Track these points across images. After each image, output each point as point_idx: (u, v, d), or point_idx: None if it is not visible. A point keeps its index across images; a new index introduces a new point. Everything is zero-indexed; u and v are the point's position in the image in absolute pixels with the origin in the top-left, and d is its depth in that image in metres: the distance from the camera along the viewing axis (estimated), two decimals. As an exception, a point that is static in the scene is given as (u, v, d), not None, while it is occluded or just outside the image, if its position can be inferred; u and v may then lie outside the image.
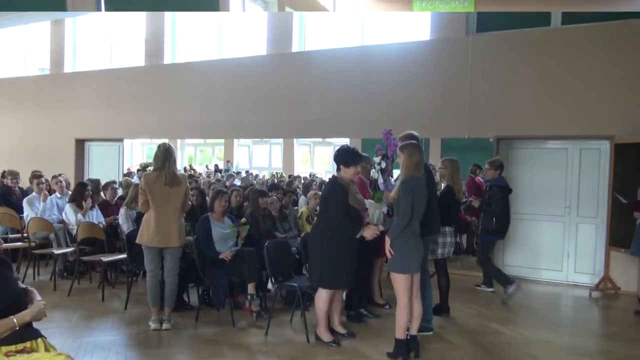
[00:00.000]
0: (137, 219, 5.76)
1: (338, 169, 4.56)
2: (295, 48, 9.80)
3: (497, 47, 7.92)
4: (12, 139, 12.82)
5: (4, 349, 2.49)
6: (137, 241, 4.98)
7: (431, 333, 4.95)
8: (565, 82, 7.39)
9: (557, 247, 7.54)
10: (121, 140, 11.48)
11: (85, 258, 6.20)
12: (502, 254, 7.89)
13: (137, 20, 11.60)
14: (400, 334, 4.26)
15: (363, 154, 4.89)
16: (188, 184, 5.21)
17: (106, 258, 6.01)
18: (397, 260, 4.19)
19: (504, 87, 7.78)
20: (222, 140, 22.00)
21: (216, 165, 21.49)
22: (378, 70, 8.75)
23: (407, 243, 4.18)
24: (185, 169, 20.00)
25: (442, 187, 5.89)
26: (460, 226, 8.01)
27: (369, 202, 4.62)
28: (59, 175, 9.78)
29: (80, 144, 11.97)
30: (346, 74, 9.04)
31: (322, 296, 4.58)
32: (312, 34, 9.96)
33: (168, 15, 11.20)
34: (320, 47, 9.70)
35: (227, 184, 12.84)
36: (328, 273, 4.51)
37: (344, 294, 5.27)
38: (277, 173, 16.55)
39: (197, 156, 24.73)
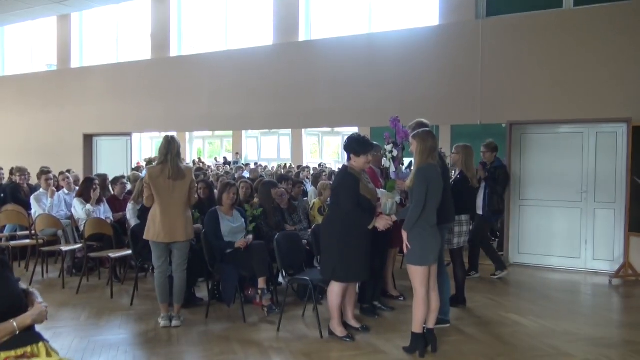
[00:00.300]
0: (141, 214, 5.66)
1: (349, 158, 4.41)
2: (302, 37, 9.62)
3: (508, 30, 7.70)
4: (20, 136, 12.82)
5: (4, 354, 2.38)
6: (144, 237, 4.89)
7: (448, 325, 4.81)
8: (579, 64, 7.17)
9: (575, 234, 7.36)
10: (129, 134, 11.41)
11: (93, 254, 6.12)
12: (517, 241, 7.73)
13: (142, 14, 11.48)
14: (417, 327, 4.13)
15: (374, 142, 4.73)
16: (194, 177, 5.07)
17: (114, 254, 5.92)
18: (414, 251, 4.04)
19: (516, 71, 7.57)
20: (231, 133, 21.92)
21: (225, 158, 21.43)
22: (386, 57, 8.57)
23: (423, 234, 4.04)
24: (194, 162, 19.99)
25: (455, 174, 5.73)
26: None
27: (380, 192, 4.47)
28: (67, 171, 9.76)
29: (88, 139, 11.94)
30: (354, 62, 8.87)
31: (334, 290, 4.46)
32: (318, 22, 9.76)
33: (174, 7, 11.07)
34: (327, 36, 9.51)
35: (236, 176, 12.77)
36: (340, 266, 4.38)
37: (357, 287, 5.15)
38: (284, 164, 16.42)
39: (206, 149, 24.69)
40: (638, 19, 6.86)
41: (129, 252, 5.79)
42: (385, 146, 4.57)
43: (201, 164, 18.78)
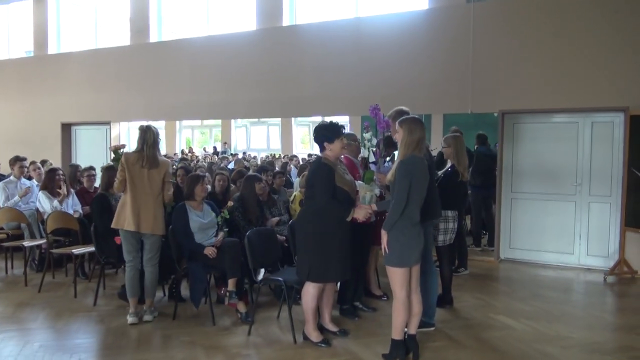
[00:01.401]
0: (99, 206, 5.28)
1: (322, 149, 4.04)
2: (286, 22, 9.20)
3: (500, 14, 7.32)
4: (-3, 125, 12.36)
5: None
6: (112, 225, 4.67)
7: (433, 329, 4.48)
8: (575, 50, 6.80)
9: (568, 229, 7.03)
10: (108, 123, 10.97)
11: (55, 251, 5.72)
12: (508, 235, 7.40)
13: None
14: (397, 334, 3.78)
15: (349, 131, 4.37)
16: (170, 170, 4.79)
17: (78, 250, 5.52)
18: (393, 251, 3.68)
19: (508, 58, 7.20)
20: (220, 122, 21.47)
21: (214, 148, 21.01)
22: (375, 43, 8.17)
23: (404, 232, 3.67)
24: (182, 152, 19.57)
25: (447, 166, 5.36)
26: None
27: (358, 184, 4.10)
28: (42, 162, 9.35)
29: (66, 128, 11.49)
30: (341, 48, 8.46)
31: (309, 291, 4.10)
32: (303, 7, 9.33)
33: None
34: (312, 20, 9.10)
35: (222, 166, 12.38)
36: (316, 265, 4.02)
37: (337, 286, 4.81)
38: (272, 154, 16.02)
39: (196, 139, 24.23)
40: (635, 4, 6.50)
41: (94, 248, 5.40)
42: (364, 134, 4.20)
43: (190, 154, 18.41)
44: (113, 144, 5.44)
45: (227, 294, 4.61)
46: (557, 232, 7.08)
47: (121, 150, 4.97)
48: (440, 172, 5.16)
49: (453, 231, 4.99)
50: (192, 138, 24.04)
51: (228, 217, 4.97)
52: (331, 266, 4.05)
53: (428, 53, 7.75)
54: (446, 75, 7.59)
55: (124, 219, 4.56)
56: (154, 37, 10.63)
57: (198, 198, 4.91)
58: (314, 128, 4.09)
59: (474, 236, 8.02)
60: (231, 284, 4.61)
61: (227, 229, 4.95)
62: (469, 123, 10.88)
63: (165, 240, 4.86)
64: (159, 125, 22.07)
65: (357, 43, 8.33)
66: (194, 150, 20.50)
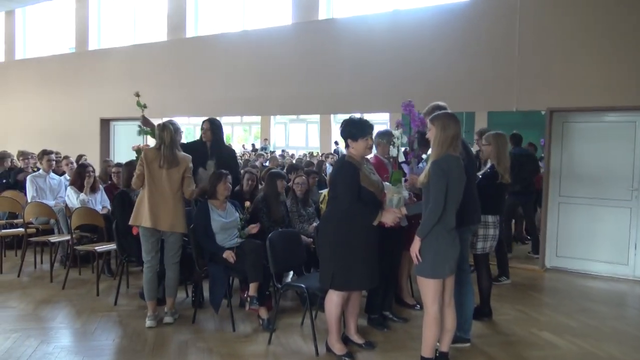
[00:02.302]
0: (119, 202, 5.16)
1: (347, 146, 3.73)
2: (322, 15, 8.92)
3: (550, 4, 6.79)
4: (39, 120, 12.61)
5: None
6: (130, 222, 4.53)
7: (468, 345, 4.11)
8: (631, 43, 6.22)
9: (622, 237, 6.47)
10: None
11: (79, 247, 5.63)
12: (555, 243, 6.90)
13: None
14: (427, 352, 3.45)
15: (386, 128, 4.04)
16: (190, 165, 4.57)
17: (101, 248, 5.41)
18: (426, 260, 3.35)
19: (558, 51, 6.68)
20: (259, 119, 21.42)
21: (253, 145, 20.98)
22: (414, 36, 7.79)
23: (438, 240, 3.33)
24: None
25: (486, 167, 4.96)
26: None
27: (385, 186, 3.77)
28: (80, 156, 9.41)
29: (105, 123, 11.59)
30: (379, 42, 8.11)
31: (332, 299, 3.80)
32: (339, 8, 9.03)
33: (190, -14, 10.54)
34: (349, 14, 8.78)
35: (257, 163, 12.22)
36: (340, 271, 3.72)
37: (365, 293, 4.50)
38: (310, 152, 15.79)
39: (237, 135, 24.30)
40: None
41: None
42: (394, 131, 3.86)
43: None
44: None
45: (248, 299, 4.36)
46: (609, 240, 6.54)
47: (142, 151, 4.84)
48: (479, 173, 4.78)
49: (494, 238, 4.58)
50: (232, 134, 24.12)
51: (248, 217, 4.70)
52: (356, 273, 3.74)
53: (471, 46, 7.31)
54: (490, 70, 7.13)
55: (141, 216, 4.41)
56: (190, 33, 10.55)
57: (220, 197, 4.69)
58: (342, 121, 3.80)
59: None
60: (252, 288, 4.36)
61: (242, 237, 4.68)
62: (514, 121, 10.34)
63: (187, 239, 4.69)
64: (199, 122, 22.34)
65: (396, 37, 7.97)
66: (233, 147, 20.49)
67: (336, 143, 17.37)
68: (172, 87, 10.46)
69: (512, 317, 4.90)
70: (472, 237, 4.35)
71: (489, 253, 4.67)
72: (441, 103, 4.07)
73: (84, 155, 9.58)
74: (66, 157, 7.42)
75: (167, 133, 4.45)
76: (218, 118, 18.07)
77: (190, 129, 22.27)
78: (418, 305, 4.95)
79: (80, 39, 12.23)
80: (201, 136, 5.45)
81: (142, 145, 4.75)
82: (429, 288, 3.38)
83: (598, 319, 4.90)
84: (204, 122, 5.47)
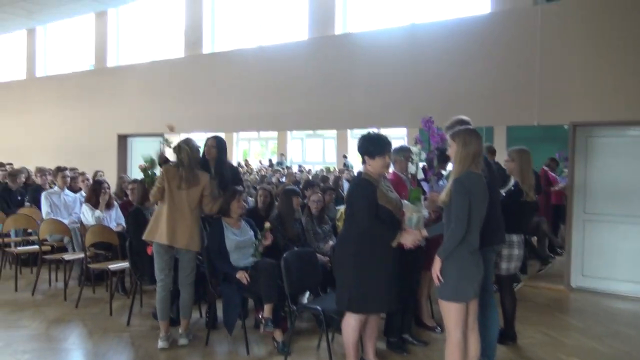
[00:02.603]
0: (134, 219, 5.07)
1: (363, 162, 3.61)
2: (338, 30, 8.87)
3: (571, 16, 6.64)
4: (59, 136, 12.74)
5: None
6: (144, 237, 4.43)
7: (492, 371, 3.93)
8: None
9: (651, 256, 6.23)
10: (162, 134, 11.00)
11: (93, 266, 5.57)
12: (580, 262, 6.65)
13: (176, 10, 11.08)
14: (449, 378, 3.28)
15: (403, 144, 3.91)
16: (209, 181, 4.48)
17: (114, 266, 5.34)
18: (448, 282, 3.19)
19: (581, 64, 6.50)
20: (276, 134, 21.43)
21: (270, 160, 20.96)
22: (431, 50, 7.68)
23: (461, 261, 3.18)
24: (239, 165, 19.62)
25: (510, 184, 4.78)
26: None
27: (404, 204, 3.63)
28: (97, 172, 9.43)
29: (122, 139, 11.64)
30: (396, 56, 8.01)
31: (349, 322, 3.66)
32: (356, 14, 8.98)
33: (207, 2, 10.59)
34: (366, 28, 8.72)
35: (273, 179, 12.14)
36: (357, 294, 3.58)
37: (383, 315, 4.34)
38: (327, 168, 15.68)
39: (253, 150, 24.31)
40: None
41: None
42: (412, 147, 3.73)
43: (246, 167, 18.39)
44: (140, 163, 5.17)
45: (263, 321, 4.23)
46: (638, 259, 6.28)
47: (150, 170, 4.77)
48: (502, 191, 4.61)
49: (519, 258, 4.40)
50: (249, 150, 24.15)
51: (264, 237, 4.57)
52: (374, 295, 3.60)
53: (490, 60, 7.17)
54: (510, 84, 6.98)
55: (157, 232, 4.30)
56: (207, 49, 10.59)
57: (234, 215, 4.59)
58: (360, 137, 3.68)
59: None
60: (267, 310, 4.23)
61: (257, 257, 4.54)
62: (536, 137, 10.13)
63: (201, 259, 4.60)
64: (217, 137, 22.42)
65: (413, 51, 7.87)
66: (250, 163, 20.51)
67: (344, 156, 17.30)
68: (188, 103, 10.47)
69: (538, 340, 4.69)
70: (496, 257, 4.18)
71: (514, 274, 4.49)
72: (464, 117, 3.94)
73: (100, 171, 9.60)
74: (82, 174, 7.41)
75: (184, 154, 4.37)
76: (235, 133, 17.96)
77: (208, 144, 22.40)
78: (439, 328, 4.78)
79: (99, 56, 12.38)
80: (204, 153, 5.25)
81: (147, 165, 4.68)
82: (451, 312, 3.22)
83: (628, 344, 4.67)
84: (209, 138, 5.30)
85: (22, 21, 13.04)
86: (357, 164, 16.17)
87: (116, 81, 11.75)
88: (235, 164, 20.06)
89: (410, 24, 8.20)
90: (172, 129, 5.48)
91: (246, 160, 21.28)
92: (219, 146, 5.30)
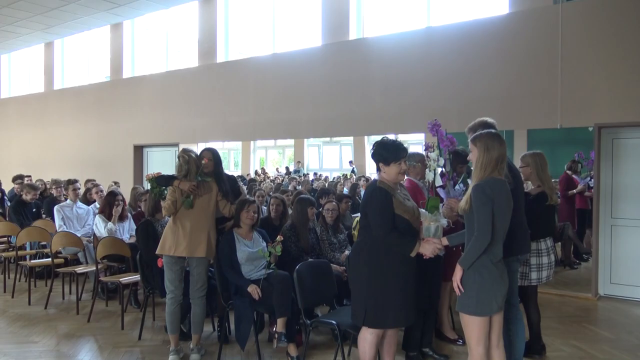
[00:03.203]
0: (143, 231, 4.96)
1: (378, 169, 3.44)
2: (353, 35, 8.73)
3: (593, 14, 6.41)
4: (76, 148, 12.83)
5: None
6: (157, 251, 4.28)
7: (518, 388, 3.71)
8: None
9: (685, 262, 5.93)
10: (177, 145, 10.97)
11: (104, 279, 5.48)
12: (608, 268, 6.38)
13: (191, 20, 11.08)
14: (471, 398, 3.08)
15: (419, 151, 3.74)
16: (220, 187, 4.40)
17: (126, 279, 5.24)
18: (470, 295, 2.99)
19: (604, 64, 6.26)
20: (292, 142, 21.35)
21: (287, 168, 20.87)
22: (448, 54, 7.49)
23: (483, 272, 2.98)
24: (256, 173, 19.53)
25: (527, 189, 4.57)
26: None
27: (421, 213, 3.44)
28: (114, 183, 9.42)
29: (138, 150, 11.65)
30: (412, 60, 7.85)
31: (366, 337, 3.47)
32: (371, 18, 8.83)
33: (220, 11, 10.56)
34: (381, 33, 8.56)
35: (290, 187, 12.00)
36: (373, 308, 3.40)
37: (402, 328, 4.15)
38: (345, 174, 15.51)
39: (270, 159, 24.25)
40: None
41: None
42: (430, 154, 3.55)
43: (261, 175, 18.31)
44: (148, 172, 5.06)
45: (276, 335, 4.07)
46: (670, 266, 6.00)
47: (158, 188, 4.64)
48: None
49: (550, 266, 4.17)
50: (265, 158, 24.09)
51: (280, 253, 4.39)
52: (392, 309, 3.41)
53: (509, 61, 6.95)
54: (531, 85, 6.76)
55: (171, 244, 4.17)
56: (221, 58, 10.54)
57: (244, 225, 4.45)
58: (374, 142, 3.51)
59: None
60: (280, 324, 4.07)
61: (271, 270, 4.37)
62: (558, 140, 9.82)
63: (212, 271, 4.47)
64: (234, 146, 22.42)
65: (430, 54, 7.69)
66: (266, 171, 20.42)
67: (350, 162, 17.14)
68: (203, 112, 10.43)
69: (567, 353, 4.45)
70: (524, 267, 3.98)
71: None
72: (489, 119, 3.75)
73: (117, 182, 9.59)
74: (96, 185, 7.36)
75: (191, 166, 4.26)
76: (252, 142, 17.87)
77: (225, 154, 22.40)
78: (461, 340, 4.57)
79: (115, 67, 12.43)
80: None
81: (155, 173, 4.56)
82: (473, 327, 3.02)
83: (665, 357, 4.40)
84: (203, 151, 5.14)
85: (39, 35, 13.19)
86: (370, 170, 16.02)
87: (132, 92, 11.78)
88: (252, 172, 20.08)
89: (426, 27, 8.02)
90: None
91: (262, 169, 21.22)
92: (215, 159, 5.15)
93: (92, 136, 12.51)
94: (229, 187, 4.70)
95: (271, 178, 17.34)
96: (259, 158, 23.85)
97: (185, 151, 4.36)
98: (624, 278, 6.31)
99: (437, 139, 3.53)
